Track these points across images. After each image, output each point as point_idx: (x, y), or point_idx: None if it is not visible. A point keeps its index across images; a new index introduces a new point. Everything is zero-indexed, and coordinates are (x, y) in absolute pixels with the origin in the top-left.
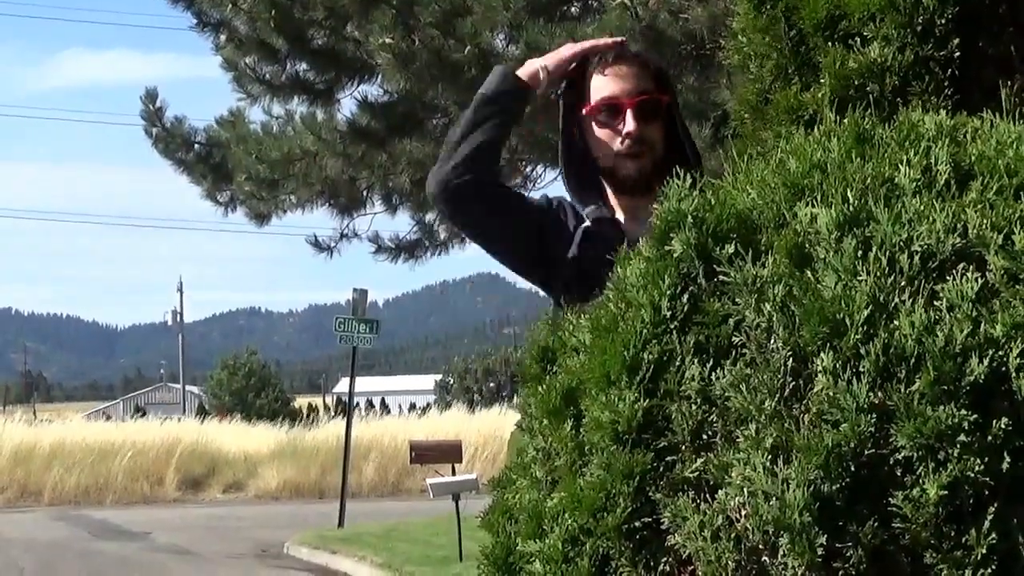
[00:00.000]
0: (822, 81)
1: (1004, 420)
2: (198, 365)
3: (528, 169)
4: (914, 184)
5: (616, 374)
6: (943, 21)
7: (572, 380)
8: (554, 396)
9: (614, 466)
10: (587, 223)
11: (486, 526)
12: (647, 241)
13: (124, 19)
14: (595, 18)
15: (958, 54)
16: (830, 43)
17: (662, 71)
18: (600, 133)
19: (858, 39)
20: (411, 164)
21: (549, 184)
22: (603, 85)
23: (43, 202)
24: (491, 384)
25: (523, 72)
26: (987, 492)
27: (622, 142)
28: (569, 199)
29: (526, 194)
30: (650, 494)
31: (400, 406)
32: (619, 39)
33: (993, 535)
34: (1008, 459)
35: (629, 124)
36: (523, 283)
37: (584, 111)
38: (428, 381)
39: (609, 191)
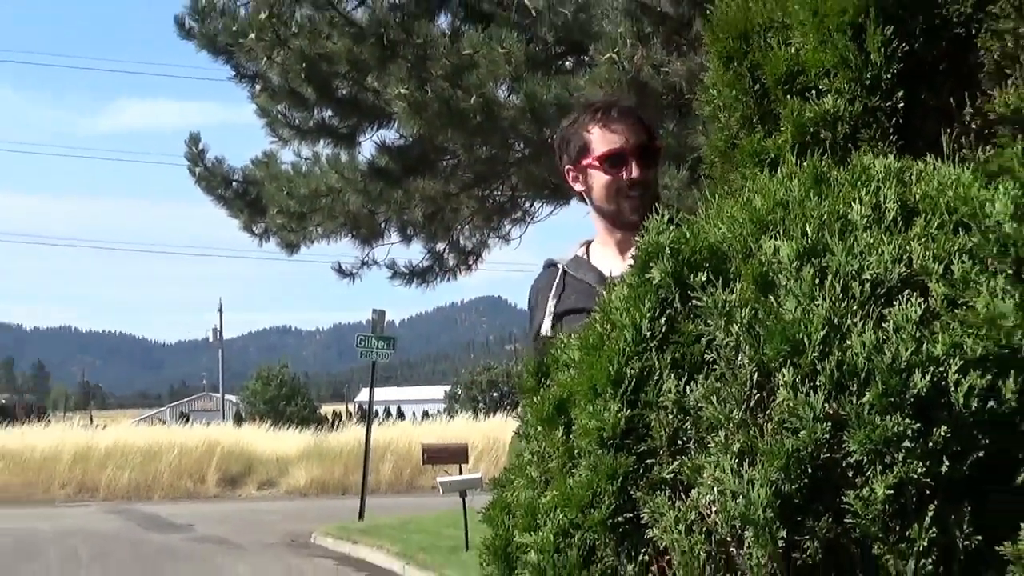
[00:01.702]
0: (782, 129)
1: (944, 428)
2: (236, 377)
3: (527, 205)
4: (865, 220)
5: (602, 387)
6: (889, 76)
7: (563, 392)
8: (547, 406)
9: (600, 468)
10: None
11: (487, 520)
12: (630, 269)
13: (170, 71)
14: (586, 71)
15: (902, 105)
16: (789, 96)
17: (649, 124)
18: (604, 179)
19: (814, 92)
20: (423, 200)
21: (546, 218)
22: (603, 140)
23: (99, 233)
24: (494, 394)
25: None
26: (928, 492)
27: (629, 186)
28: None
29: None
30: (631, 492)
31: (414, 413)
32: (613, 98)
33: (933, 529)
34: (947, 463)
35: (633, 171)
36: (521, 305)
37: (586, 162)
38: (438, 391)
39: (603, 228)
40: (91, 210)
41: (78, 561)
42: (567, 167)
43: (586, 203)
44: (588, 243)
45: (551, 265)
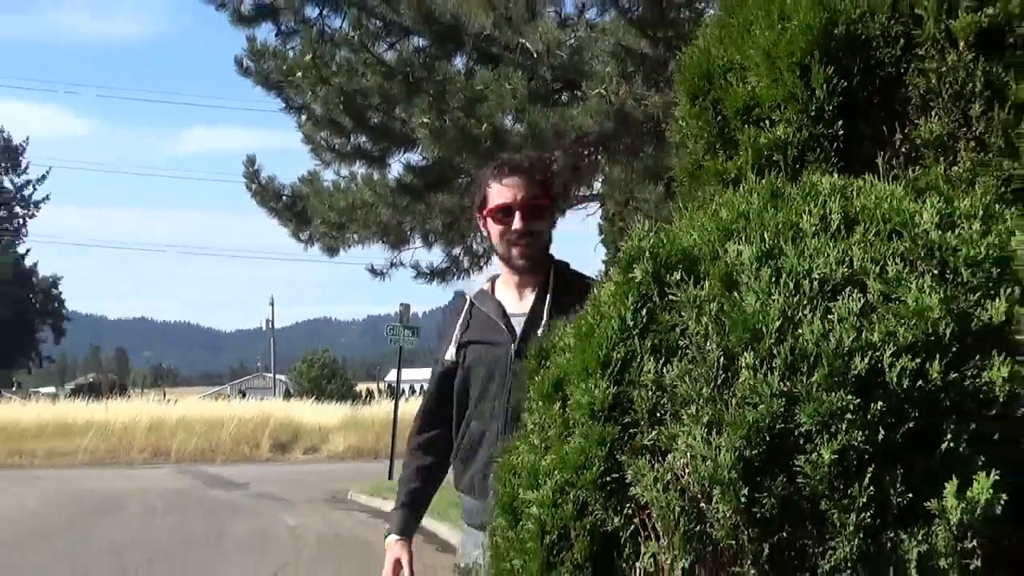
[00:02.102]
0: (741, 153)
1: (880, 404)
2: (285, 360)
3: None
4: (813, 228)
5: (592, 368)
6: (831, 108)
7: (560, 372)
8: (546, 384)
9: (590, 436)
10: (472, 303)
11: (496, 480)
12: (617, 270)
13: (231, 103)
14: (579, 104)
15: (842, 132)
16: (746, 125)
17: (547, 178)
18: (497, 229)
19: (767, 122)
20: (442, 212)
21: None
22: (498, 195)
23: (171, 237)
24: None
25: None
26: (867, 457)
27: (516, 236)
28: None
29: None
30: (617, 457)
31: None
32: (513, 157)
33: (871, 488)
34: (882, 432)
35: (518, 223)
36: None
37: (484, 212)
38: None
39: (502, 268)
40: (165, 219)
41: (154, 512)
42: (475, 214)
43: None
44: (495, 277)
45: (461, 296)
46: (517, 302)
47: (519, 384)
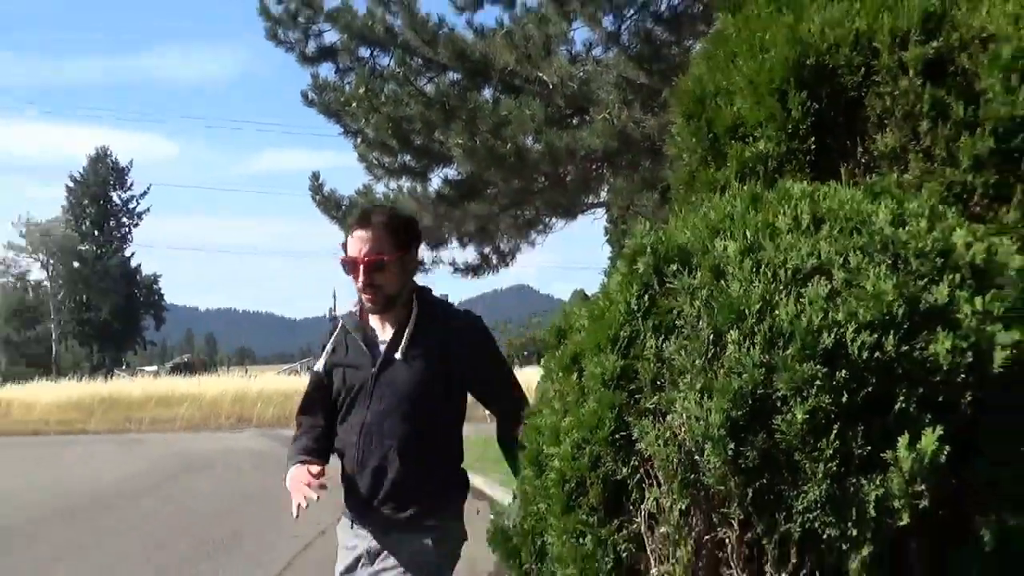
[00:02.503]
0: (729, 165)
1: (844, 372)
2: None
3: (547, 220)
4: (787, 226)
5: (603, 344)
6: (804, 126)
7: (577, 348)
8: (565, 358)
9: (603, 401)
10: (345, 326)
11: (524, 438)
12: (623, 263)
13: (297, 129)
14: (588, 126)
15: (813, 146)
16: (733, 141)
17: (399, 229)
18: (350, 278)
19: (751, 138)
20: (474, 218)
21: (560, 229)
22: (350, 246)
23: (252, 241)
24: (524, 353)
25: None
26: (833, 416)
27: (361, 288)
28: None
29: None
30: (625, 418)
31: None
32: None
33: (836, 442)
34: (846, 396)
35: (360, 278)
36: (545, 289)
37: (341, 260)
38: None
39: None
40: (245, 226)
41: (239, 469)
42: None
43: None
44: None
45: (334, 319)
46: (382, 330)
47: (379, 405)
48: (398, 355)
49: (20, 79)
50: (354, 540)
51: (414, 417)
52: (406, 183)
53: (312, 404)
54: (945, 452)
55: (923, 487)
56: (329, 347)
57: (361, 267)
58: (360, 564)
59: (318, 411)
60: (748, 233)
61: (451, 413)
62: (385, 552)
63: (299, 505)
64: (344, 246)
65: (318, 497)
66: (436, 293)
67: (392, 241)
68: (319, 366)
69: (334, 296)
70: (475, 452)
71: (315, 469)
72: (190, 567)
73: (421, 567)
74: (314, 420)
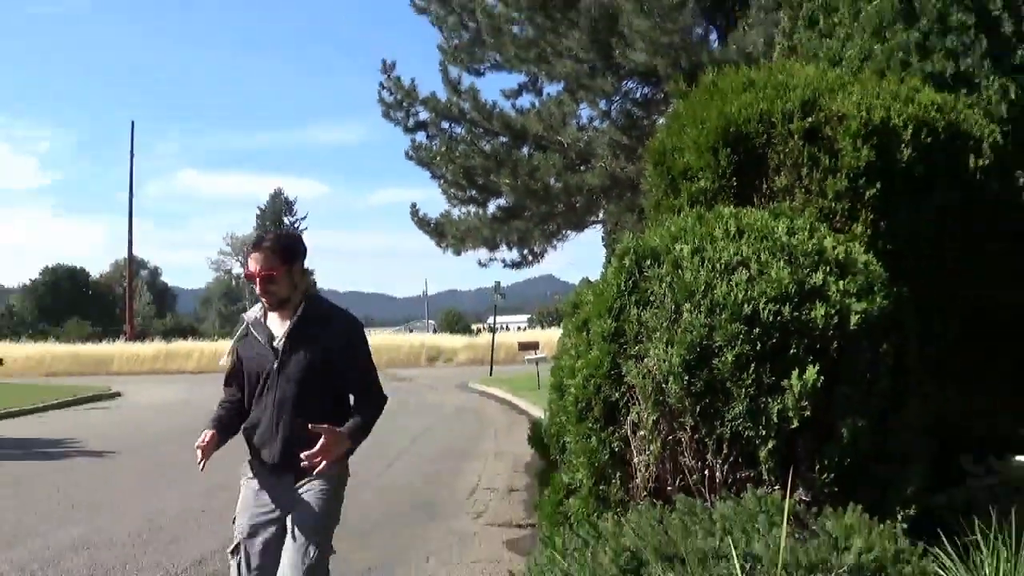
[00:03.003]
0: (682, 196)
1: (757, 329)
2: (433, 313)
3: (564, 232)
4: (721, 235)
5: (603, 312)
6: (729, 172)
7: (585, 315)
8: (578, 321)
9: (602, 349)
10: (249, 326)
11: (552, 374)
12: (615, 259)
13: (402, 175)
14: (591, 171)
15: (736, 184)
16: (684, 180)
17: (284, 249)
18: (254, 288)
19: (696, 178)
20: (516, 231)
21: (573, 238)
22: (249, 264)
23: (370, 246)
24: (550, 318)
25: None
26: (750, 358)
27: (259, 295)
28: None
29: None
30: (617, 360)
31: (515, 327)
32: (261, 235)
33: (752, 375)
34: (759, 345)
35: (258, 288)
36: (563, 278)
37: (244, 275)
38: (524, 318)
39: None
40: (369, 236)
41: None
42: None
43: None
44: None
45: (242, 318)
46: (280, 328)
47: (280, 388)
48: (289, 350)
49: (232, 144)
50: (264, 499)
51: (306, 395)
52: (472, 209)
53: (231, 379)
54: (820, 381)
55: (807, 403)
56: (237, 340)
57: (258, 280)
58: (268, 518)
59: (234, 384)
60: (696, 240)
61: (335, 390)
62: (295, 498)
63: (201, 460)
64: (244, 264)
65: (203, 463)
66: (493, 280)
67: (278, 259)
68: (223, 361)
69: (425, 282)
70: (514, 382)
71: (207, 437)
72: None
73: (325, 494)
74: (232, 392)
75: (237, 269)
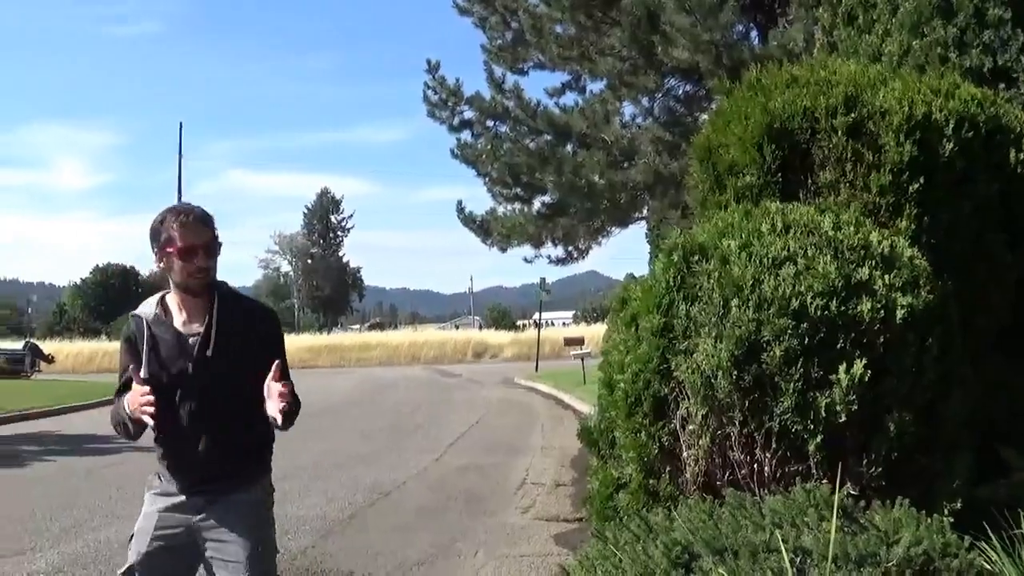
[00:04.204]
0: (728, 192)
1: (805, 324)
2: (479, 308)
3: (608, 228)
4: (768, 230)
5: (651, 308)
6: (775, 167)
7: (634, 310)
8: (627, 317)
9: (652, 344)
10: (149, 326)
11: (600, 369)
12: (663, 255)
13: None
14: (635, 167)
15: (781, 180)
16: (730, 176)
17: (213, 222)
18: (181, 265)
19: (741, 174)
20: (562, 228)
21: (617, 234)
22: (185, 235)
23: (419, 244)
24: (595, 313)
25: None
26: (798, 352)
27: (197, 271)
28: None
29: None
30: (666, 356)
31: (561, 323)
32: (190, 207)
33: (800, 369)
34: (807, 339)
35: (201, 260)
36: (607, 273)
37: (170, 250)
38: (569, 314)
39: (175, 291)
40: (415, 235)
41: (414, 388)
42: (155, 252)
43: (169, 278)
44: (163, 299)
45: (137, 318)
46: (188, 324)
47: (198, 395)
48: (210, 350)
49: (280, 144)
50: (171, 520)
51: (230, 403)
52: (517, 206)
53: (123, 389)
54: (867, 375)
55: (854, 397)
56: (146, 346)
57: (202, 252)
58: (173, 543)
59: (127, 393)
60: (743, 235)
61: (258, 386)
62: (219, 514)
63: (152, 415)
64: (168, 240)
65: (154, 412)
66: (538, 276)
67: (214, 231)
68: (144, 372)
69: (471, 278)
70: (559, 377)
71: (142, 389)
72: (392, 443)
73: (256, 507)
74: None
75: (285, 267)
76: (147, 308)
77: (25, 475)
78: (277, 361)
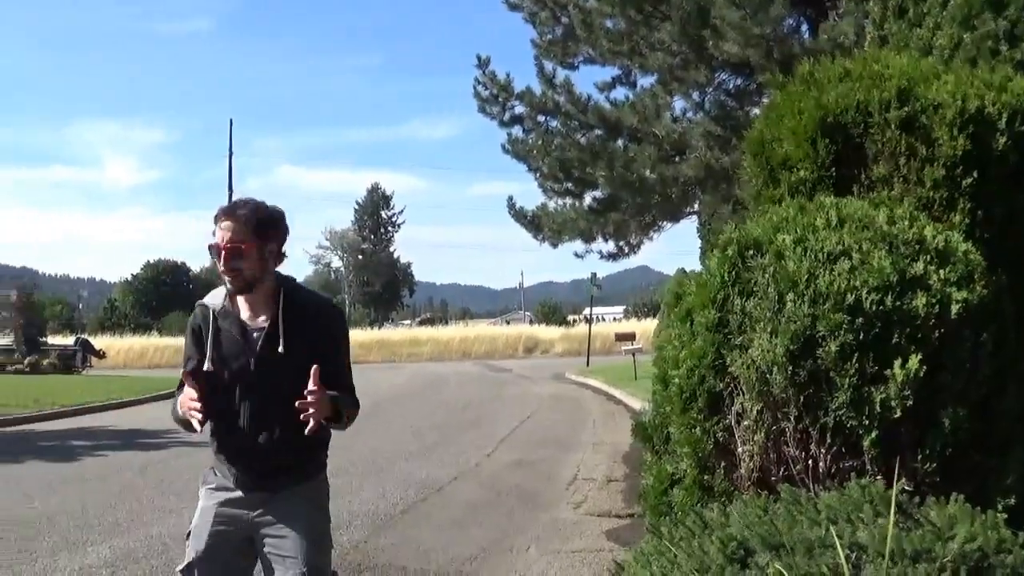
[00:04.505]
0: (782, 186)
1: (860, 319)
2: (529, 303)
3: (660, 223)
4: (822, 224)
5: (706, 303)
6: (828, 161)
7: (689, 305)
8: (682, 312)
9: (707, 339)
10: (215, 317)
11: (654, 364)
12: (718, 249)
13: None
14: (686, 162)
15: (835, 174)
16: (784, 171)
17: (261, 222)
18: (217, 263)
19: (795, 168)
20: (613, 223)
21: (668, 229)
22: (216, 234)
23: (471, 239)
24: (645, 308)
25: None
26: (854, 347)
27: (223, 272)
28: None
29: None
30: (721, 351)
31: (612, 318)
32: (233, 204)
33: (856, 364)
34: (861, 335)
35: (221, 263)
36: (657, 268)
37: (209, 247)
38: (620, 309)
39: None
40: (465, 231)
41: (466, 383)
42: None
43: None
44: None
45: (203, 307)
46: (253, 319)
47: (259, 390)
48: (274, 345)
49: (330, 140)
50: (228, 515)
51: (292, 395)
52: (568, 201)
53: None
54: (923, 370)
55: (909, 392)
56: (209, 341)
57: (222, 253)
58: (231, 540)
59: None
60: (798, 230)
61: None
62: (276, 510)
63: (200, 420)
64: (213, 234)
65: (203, 417)
66: (589, 271)
67: (251, 231)
68: (206, 366)
69: (522, 273)
70: (610, 372)
71: (191, 392)
72: (443, 438)
73: (312, 503)
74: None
75: (336, 263)
76: (215, 298)
77: (78, 470)
78: (315, 367)
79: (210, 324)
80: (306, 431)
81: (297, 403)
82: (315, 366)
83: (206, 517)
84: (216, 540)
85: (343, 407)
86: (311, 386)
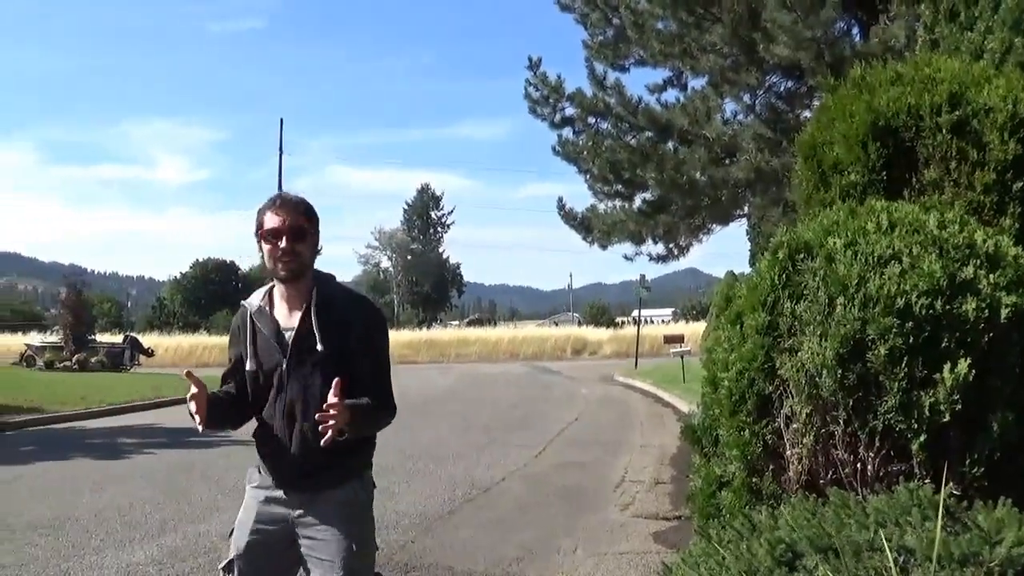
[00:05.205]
0: (832, 190)
1: (910, 323)
2: (578, 306)
3: (710, 225)
4: (873, 228)
5: (756, 306)
6: (879, 164)
7: (739, 308)
8: (732, 315)
9: (757, 342)
10: (252, 317)
11: (704, 367)
12: (768, 253)
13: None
14: (736, 164)
15: (885, 178)
16: (835, 174)
17: (310, 210)
18: (267, 248)
19: (846, 172)
20: (663, 225)
21: (718, 231)
22: (270, 220)
23: (520, 240)
24: (694, 311)
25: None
26: (903, 351)
27: (281, 254)
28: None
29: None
30: (771, 354)
31: (660, 320)
32: (276, 199)
33: (905, 367)
34: (911, 338)
35: (284, 243)
36: (706, 270)
37: (259, 233)
38: (668, 311)
39: (278, 286)
40: (514, 231)
41: (513, 384)
42: (256, 240)
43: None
44: (271, 290)
45: (243, 305)
46: (288, 318)
47: (292, 390)
48: (307, 344)
49: (380, 141)
50: (270, 514)
51: (323, 399)
52: (618, 203)
53: (228, 377)
54: (972, 374)
55: (958, 396)
56: (249, 342)
57: (286, 234)
58: (273, 537)
59: (231, 381)
60: (848, 233)
61: (356, 381)
62: (316, 511)
63: (200, 422)
64: (259, 225)
65: (200, 420)
66: (638, 273)
67: (306, 217)
68: (249, 365)
69: (570, 275)
70: (658, 375)
71: (193, 391)
72: (491, 439)
73: (353, 505)
74: (227, 387)
75: (385, 263)
76: (254, 298)
77: (126, 467)
78: (337, 379)
79: (247, 324)
80: (321, 443)
81: (316, 415)
82: (336, 379)
83: (248, 514)
84: (257, 539)
85: (362, 418)
86: (331, 398)
